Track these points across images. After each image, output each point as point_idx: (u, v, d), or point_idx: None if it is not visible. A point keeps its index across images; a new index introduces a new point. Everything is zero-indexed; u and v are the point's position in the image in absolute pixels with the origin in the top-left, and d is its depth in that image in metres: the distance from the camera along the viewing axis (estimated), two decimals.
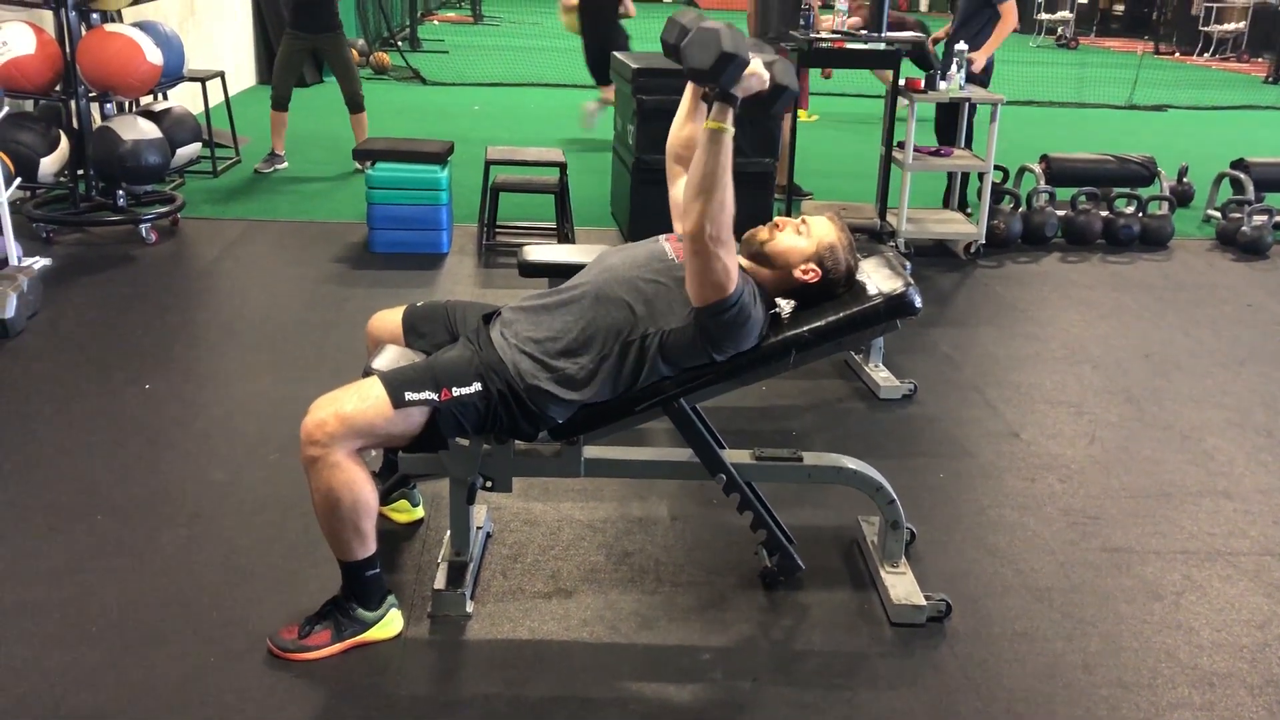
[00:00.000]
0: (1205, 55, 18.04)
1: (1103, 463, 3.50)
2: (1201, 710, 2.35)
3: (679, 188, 2.66)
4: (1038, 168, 6.41)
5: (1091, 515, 3.16)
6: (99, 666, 2.32)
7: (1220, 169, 6.89)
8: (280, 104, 6.90)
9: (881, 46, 5.68)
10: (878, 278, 2.61)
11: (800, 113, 6.48)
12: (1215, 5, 18.29)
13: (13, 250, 4.42)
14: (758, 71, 2.25)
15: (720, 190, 2.23)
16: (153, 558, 2.73)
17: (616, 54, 6.16)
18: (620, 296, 2.42)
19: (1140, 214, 6.22)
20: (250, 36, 10.45)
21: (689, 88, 2.73)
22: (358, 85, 7.07)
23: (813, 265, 2.55)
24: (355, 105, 7.01)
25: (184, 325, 4.41)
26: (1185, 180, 7.18)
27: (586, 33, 8.36)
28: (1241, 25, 18.02)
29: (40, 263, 4.52)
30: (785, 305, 2.60)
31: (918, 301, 2.54)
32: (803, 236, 2.58)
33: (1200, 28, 18.35)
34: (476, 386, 2.37)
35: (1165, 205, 6.29)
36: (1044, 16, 19.76)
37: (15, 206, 4.83)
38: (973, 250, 5.80)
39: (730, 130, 2.24)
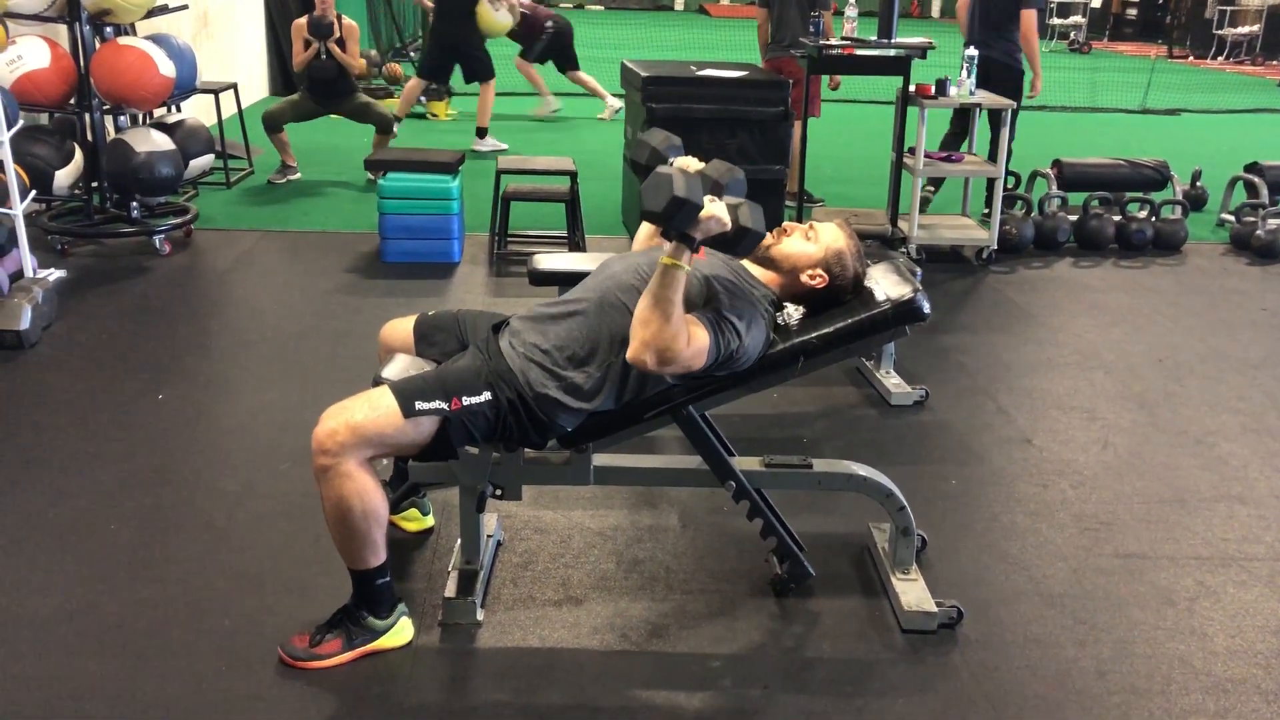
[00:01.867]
0: (1219, 59, 17.98)
1: (1115, 468, 3.49)
2: (1216, 717, 2.33)
3: None
4: (1050, 172, 6.39)
5: (1104, 521, 3.15)
6: (111, 675, 2.33)
7: (1234, 173, 6.86)
8: (274, 129, 6.95)
9: (891, 53, 5.68)
10: (886, 284, 2.61)
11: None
12: (1229, 9, 18.23)
13: (28, 262, 4.45)
14: (716, 215, 2.25)
15: (668, 323, 2.27)
16: (165, 567, 2.75)
17: (626, 61, 6.17)
18: (623, 303, 2.43)
19: (1153, 218, 6.20)
20: (263, 48, 10.51)
21: None
22: (381, 111, 7.14)
23: (820, 271, 2.55)
24: (385, 128, 7.07)
25: (197, 336, 4.44)
26: (1199, 184, 7.15)
27: (435, 32, 8.51)
28: (1256, 29, 17.96)
29: (55, 274, 4.55)
30: (794, 312, 2.59)
31: (926, 308, 2.54)
32: (810, 242, 2.58)
33: (1214, 31, 18.30)
34: (486, 395, 2.37)
35: (1178, 209, 6.26)
36: (1056, 21, 19.72)
37: (30, 219, 4.86)
38: (984, 256, 5.78)
39: (685, 269, 2.27)
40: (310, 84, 6.98)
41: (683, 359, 2.31)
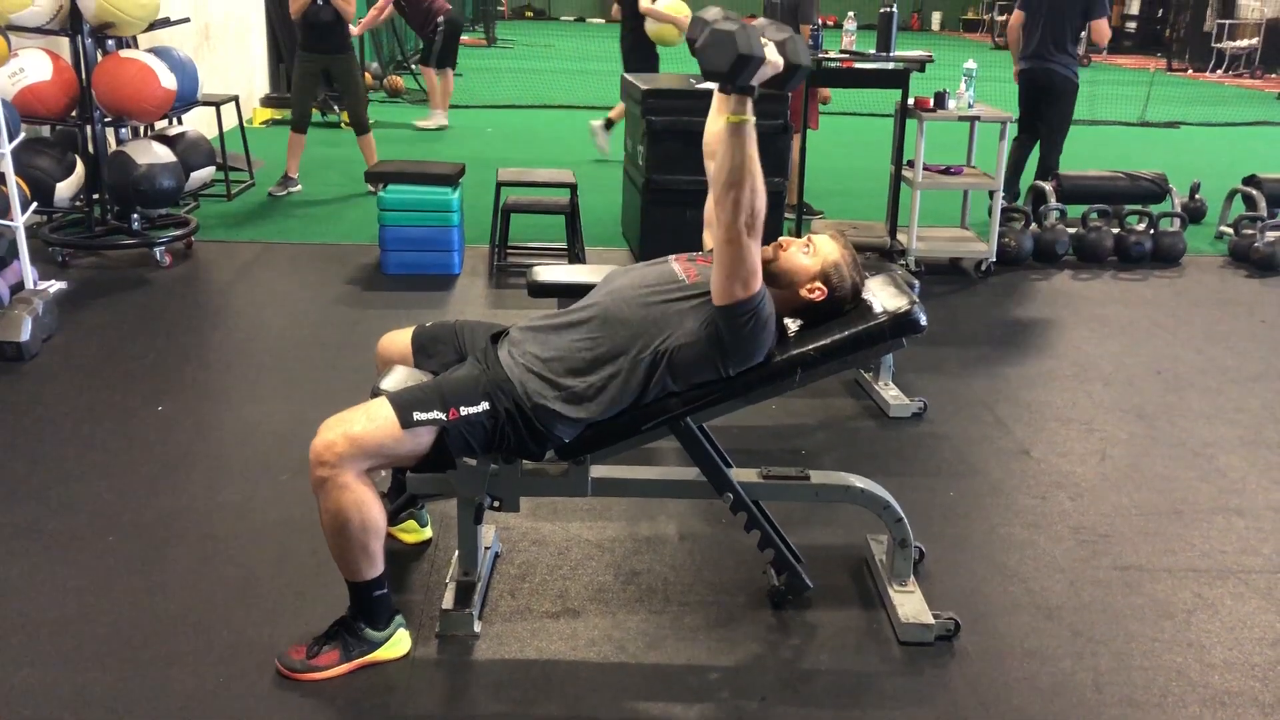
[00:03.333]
0: (1218, 72, 18.02)
1: (1114, 480, 3.49)
2: None
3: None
4: (1049, 185, 6.41)
5: (1102, 533, 3.15)
6: (110, 686, 2.33)
7: (1233, 185, 6.87)
8: (300, 126, 6.97)
9: (890, 66, 5.70)
10: (883, 296, 2.62)
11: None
12: (1228, 22, 18.29)
13: (29, 274, 4.47)
14: (771, 59, 2.27)
15: (750, 178, 2.26)
16: (164, 578, 2.75)
17: (626, 75, 6.19)
18: (627, 316, 2.44)
19: (1152, 231, 6.21)
20: (264, 62, 10.55)
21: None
22: (363, 108, 7.14)
23: (819, 284, 2.56)
24: (360, 127, 7.07)
25: (197, 347, 4.45)
26: (1198, 197, 7.16)
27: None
28: (1254, 41, 18.01)
29: (56, 286, 4.57)
30: (791, 324, 2.60)
31: (923, 320, 2.55)
32: (809, 256, 2.59)
33: (1213, 44, 18.34)
34: (484, 406, 2.38)
35: (1177, 222, 6.27)
36: None
37: (31, 231, 4.88)
38: (983, 268, 5.80)
39: (751, 120, 2.27)
40: (306, 32, 6.93)
41: (758, 231, 2.30)
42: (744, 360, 2.46)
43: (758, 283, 2.37)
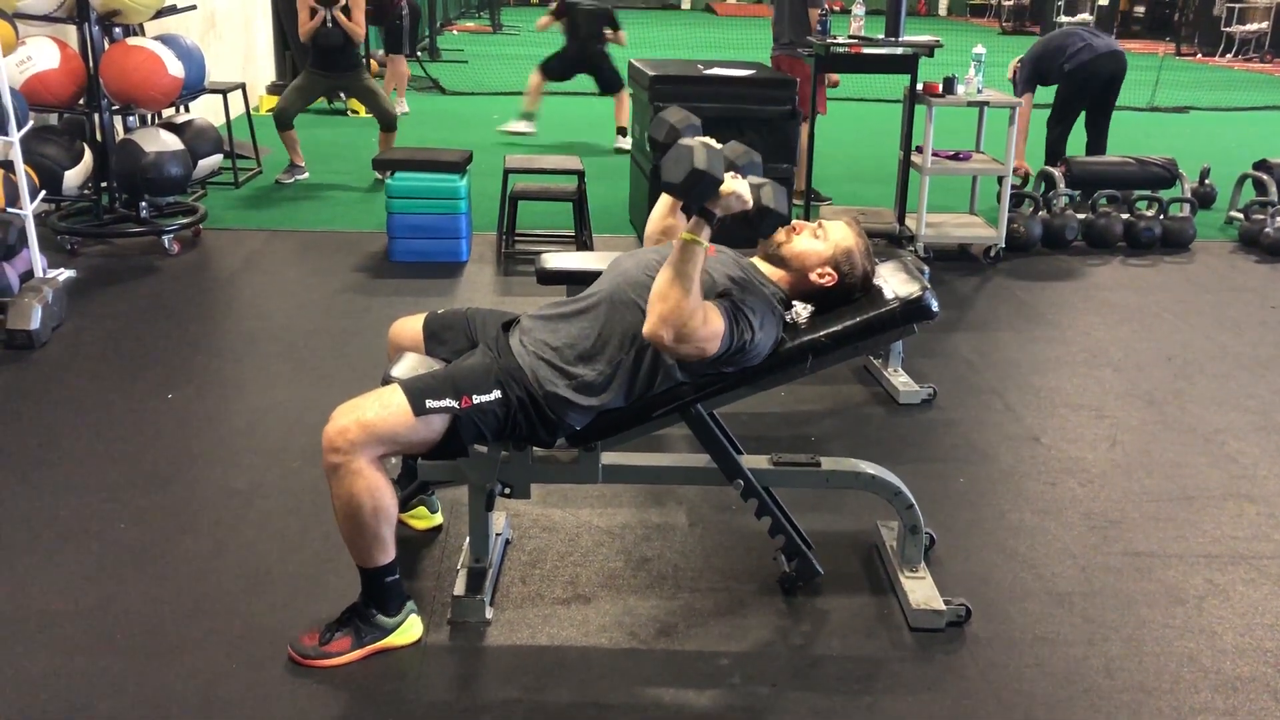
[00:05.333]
0: (1227, 56, 17.92)
1: (1124, 466, 3.48)
2: (1225, 715, 2.33)
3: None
4: (1058, 171, 6.39)
5: (1113, 519, 3.14)
6: (121, 674, 2.34)
7: (1243, 170, 6.84)
8: (284, 125, 6.94)
9: (898, 51, 5.67)
10: (895, 282, 2.61)
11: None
12: (1237, 6, 18.17)
13: (38, 262, 4.47)
14: (737, 191, 2.26)
15: (686, 298, 2.26)
16: (175, 565, 2.76)
17: (633, 61, 6.17)
18: (633, 300, 2.43)
19: (1161, 216, 6.18)
20: (271, 49, 10.53)
21: None
22: (387, 105, 7.14)
23: (829, 269, 2.56)
24: (388, 125, 7.06)
25: (206, 335, 4.45)
26: (1207, 182, 7.13)
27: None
28: (1264, 25, 17.89)
29: (65, 274, 4.57)
30: (802, 310, 2.60)
31: (934, 306, 2.54)
32: (819, 240, 2.59)
33: (1222, 28, 18.23)
34: (496, 394, 2.38)
35: (1187, 207, 6.25)
36: (1063, 19, 19.66)
37: (40, 219, 4.89)
38: (992, 254, 5.78)
39: (704, 245, 2.27)
40: (316, 53, 6.94)
41: (698, 337, 2.30)
42: (740, 367, 2.46)
43: (713, 345, 2.34)
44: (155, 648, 2.43)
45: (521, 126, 8.73)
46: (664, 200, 2.80)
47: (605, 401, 2.44)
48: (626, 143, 8.13)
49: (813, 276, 2.56)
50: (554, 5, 8.60)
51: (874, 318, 2.53)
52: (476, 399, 2.35)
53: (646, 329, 2.31)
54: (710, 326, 2.32)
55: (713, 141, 2.39)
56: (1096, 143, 6.89)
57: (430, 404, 2.31)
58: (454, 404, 2.33)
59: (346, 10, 6.85)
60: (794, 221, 2.63)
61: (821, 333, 2.53)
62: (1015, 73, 6.89)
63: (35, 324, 4.12)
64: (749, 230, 2.36)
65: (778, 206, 2.29)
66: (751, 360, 2.46)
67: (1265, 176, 6.54)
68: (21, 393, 3.79)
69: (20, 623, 2.51)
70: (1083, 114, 6.88)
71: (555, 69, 8.62)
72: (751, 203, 2.28)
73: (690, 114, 2.59)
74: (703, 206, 2.24)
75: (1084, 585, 2.80)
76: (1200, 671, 2.47)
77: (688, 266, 2.25)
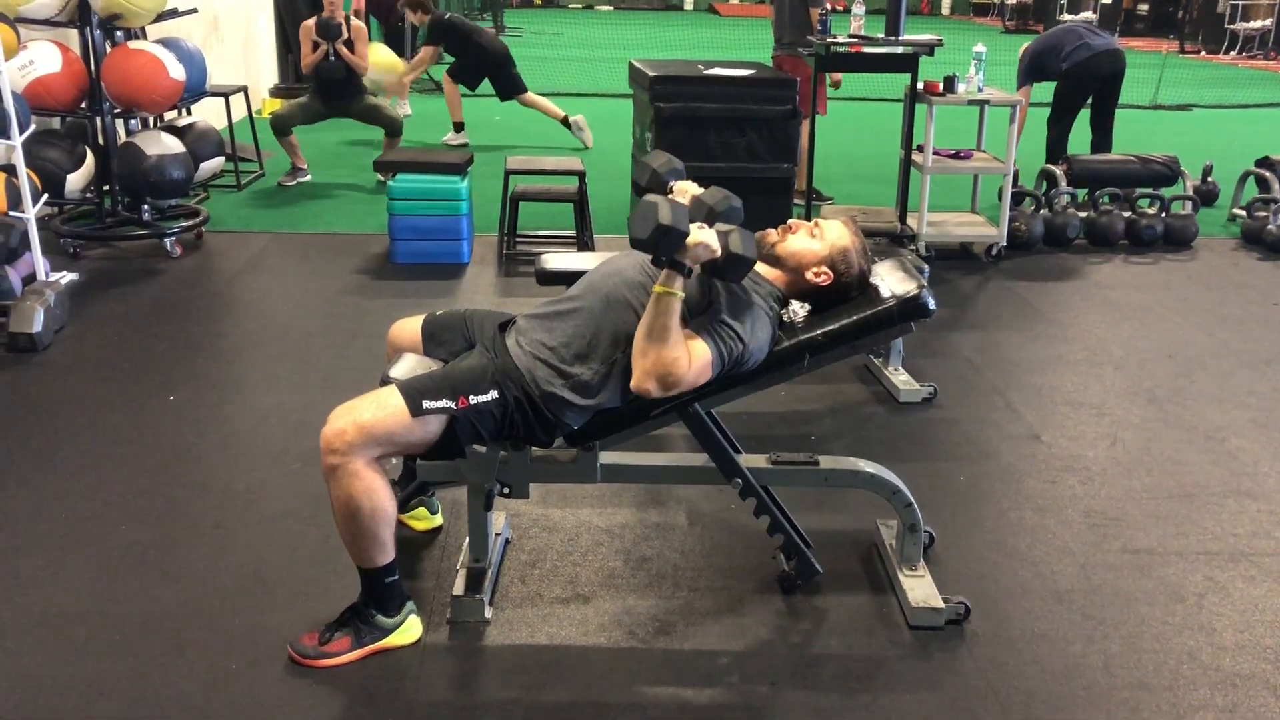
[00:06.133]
0: (1231, 54, 17.89)
1: (1124, 464, 3.48)
2: (1224, 712, 2.33)
3: None
4: (1059, 169, 6.38)
5: (1113, 517, 3.14)
6: (123, 674, 2.35)
7: (1246, 168, 6.83)
8: (282, 133, 6.99)
9: (899, 50, 5.67)
10: (891, 280, 2.62)
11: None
12: (1241, 3, 18.14)
13: (40, 265, 4.48)
14: (705, 241, 2.28)
15: (666, 348, 2.28)
16: (176, 566, 2.77)
17: (634, 61, 6.17)
18: (626, 298, 2.44)
19: (1163, 214, 6.18)
20: (273, 52, 10.55)
21: None
22: (389, 114, 7.18)
23: (825, 268, 2.56)
24: (394, 133, 7.10)
25: (208, 337, 4.46)
26: (1210, 179, 7.12)
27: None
28: (1268, 23, 17.86)
29: (67, 277, 4.58)
30: (799, 309, 2.60)
31: (931, 304, 2.54)
32: (815, 239, 2.59)
33: (1226, 26, 18.20)
34: (493, 394, 2.39)
35: (1189, 205, 6.24)
36: (1066, 18, 19.64)
37: (42, 222, 4.90)
38: (994, 253, 5.78)
39: (679, 296, 2.29)
40: (319, 85, 7.02)
41: (686, 381, 2.33)
42: (741, 370, 2.46)
43: (705, 376, 2.37)
44: (156, 648, 2.44)
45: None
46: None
47: (601, 401, 2.44)
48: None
49: (809, 275, 2.56)
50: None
51: (870, 316, 2.53)
52: (473, 399, 2.36)
53: (634, 385, 2.33)
54: (697, 363, 2.34)
55: (692, 187, 2.44)
56: (1101, 141, 6.89)
57: (427, 404, 2.32)
58: (451, 404, 2.34)
59: (349, 45, 6.89)
60: (790, 221, 2.64)
61: (818, 331, 2.53)
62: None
63: (38, 327, 4.14)
64: (718, 275, 2.39)
65: (746, 252, 2.32)
66: (753, 364, 2.46)
67: (1268, 174, 6.53)
68: (24, 395, 3.80)
69: (21, 623, 2.51)
70: (1088, 113, 6.89)
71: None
72: (720, 250, 2.30)
73: (674, 159, 2.65)
74: (672, 258, 2.28)
75: (1083, 583, 2.80)
76: (1199, 668, 2.47)
77: (664, 319, 2.29)
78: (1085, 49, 6.62)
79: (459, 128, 8.55)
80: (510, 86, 8.48)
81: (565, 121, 8.48)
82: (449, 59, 8.77)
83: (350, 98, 7.06)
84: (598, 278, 2.54)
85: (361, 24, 7.11)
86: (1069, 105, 6.88)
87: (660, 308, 2.30)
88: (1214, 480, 3.38)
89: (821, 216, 2.72)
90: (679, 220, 2.23)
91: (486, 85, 8.69)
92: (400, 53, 10.06)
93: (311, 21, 6.99)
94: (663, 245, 2.25)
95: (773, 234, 2.61)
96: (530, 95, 8.51)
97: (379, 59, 8.05)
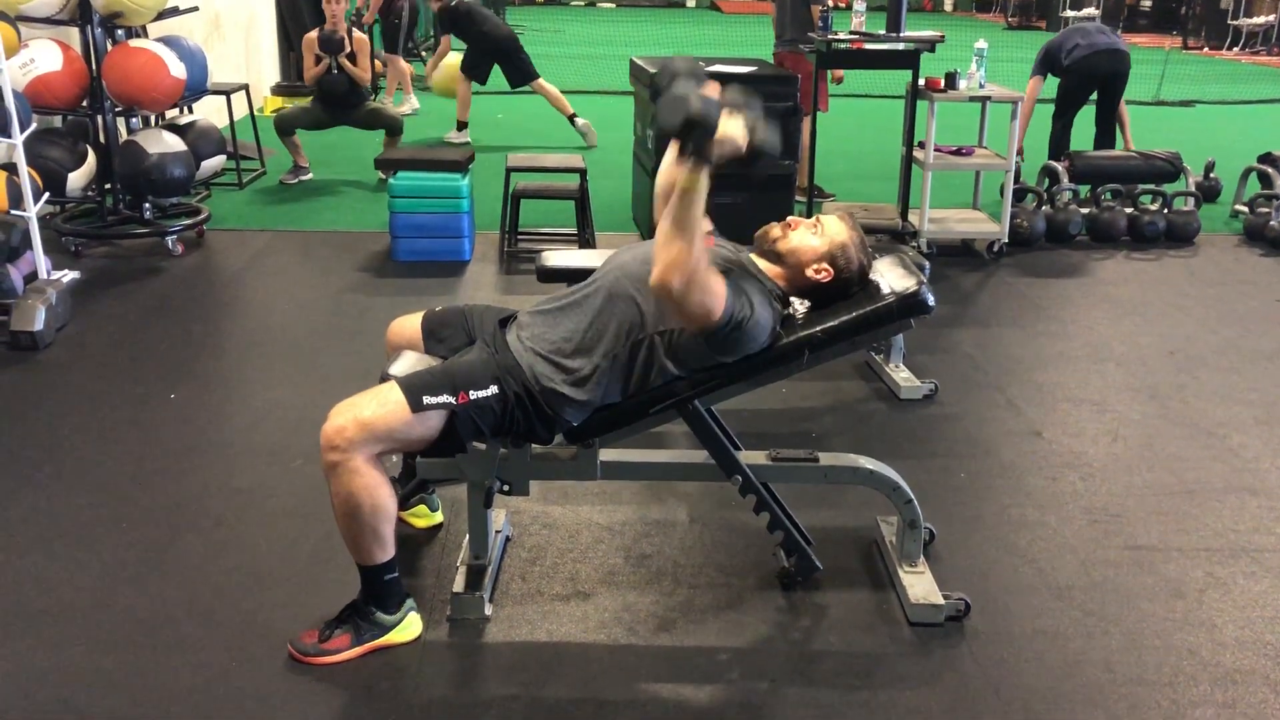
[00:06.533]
0: (1234, 50, 17.85)
1: (1125, 460, 3.48)
2: (1224, 708, 2.33)
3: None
4: (1061, 165, 6.37)
5: (1114, 513, 3.14)
6: (122, 671, 2.36)
7: (1248, 164, 6.82)
8: (285, 133, 7.00)
9: (900, 46, 5.66)
10: (891, 276, 2.61)
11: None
12: None
13: (42, 264, 4.49)
14: (731, 136, 2.26)
15: (687, 243, 2.23)
16: (176, 564, 2.77)
17: (635, 59, 6.17)
18: (629, 293, 2.44)
19: (1166, 210, 6.17)
20: (274, 50, 10.55)
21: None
22: (389, 115, 7.21)
23: (825, 265, 2.56)
24: (395, 131, 7.13)
25: (209, 335, 4.47)
26: (1212, 175, 7.11)
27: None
28: (1271, 19, 17.83)
29: (69, 276, 4.58)
30: (799, 305, 2.60)
31: (931, 300, 2.54)
32: (816, 236, 2.58)
33: (1229, 21, 18.16)
34: (493, 389, 2.38)
35: (1191, 201, 6.23)
36: (1069, 14, 19.62)
37: (44, 221, 4.90)
38: (995, 249, 5.77)
39: (702, 189, 2.24)
40: (321, 96, 7.04)
41: (707, 287, 2.27)
42: (739, 353, 2.45)
43: (719, 309, 2.32)
44: (156, 645, 2.44)
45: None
46: (669, 155, 2.76)
47: (600, 396, 2.44)
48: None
49: (809, 272, 2.56)
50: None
51: (870, 312, 2.53)
52: (474, 395, 2.36)
53: (654, 278, 2.25)
54: (716, 284, 2.31)
55: (714, 89, 2.37)
56: (1104, 138, 6.88)
57: (428, 400, 2.32)
58: (451, 400, 2.34)
59: (352, 57, 6.90)
60: (790, 218, 2.63)
61: (818, 327, 2.53)
62: None
63: (39, 325, 4.14)
64: (743, 168, 2.35)
65: (770, 143, 2.30)
66: (751, 343, 2.44)
67: (1270, 170, 6.53)
68: (25, 394, 3.80)
69: (22, 620, 2.52)
70: (1093, 110, 6.90)
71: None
72: (745, 144, 2.28)
73: (697, 63, 2.55)
74: (699, 150, 2.22)
75: (1084, 579, 2.80)
76: (1200, 664, 2.47)
77: (690, 212, 2.22)
78: (1087, 47, 6.63)
79: (462, 126, 8.54)
80: (521, 71, 8.41)
81: (572, 118, 8.45)
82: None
83: (352, 109, 7.08)
84: (601, 272, 2.54)
85: (364, 36, 7.13)
86: (1070, 101, 6.89)
87: (685, 201, 2.22)
88: (1215, 476, 3.38)
89: (823, 213, 2.71)
90: (709, 110, 2.17)
91: (493, 83, 8.68)
92: (394, 50, 10.07)
93: (314, 34, 6.99)
94: (694, 135, 2.18)
95: (773, 230, 2.60)
96: (542, 82, 8.46)
97: (451, 72, 8.53)
